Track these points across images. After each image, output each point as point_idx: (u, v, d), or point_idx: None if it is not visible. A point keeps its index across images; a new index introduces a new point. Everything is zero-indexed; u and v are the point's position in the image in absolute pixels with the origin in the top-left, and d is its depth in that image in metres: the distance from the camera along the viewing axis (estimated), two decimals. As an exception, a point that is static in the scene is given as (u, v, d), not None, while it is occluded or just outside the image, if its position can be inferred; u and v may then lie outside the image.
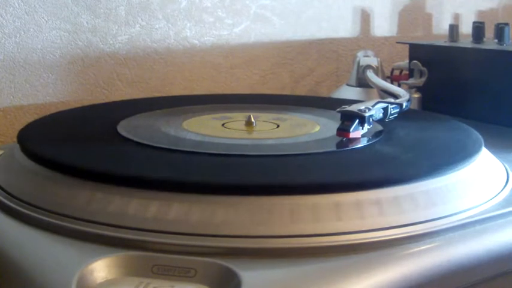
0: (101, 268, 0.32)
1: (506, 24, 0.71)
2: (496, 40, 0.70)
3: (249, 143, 0.48)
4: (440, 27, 0.98)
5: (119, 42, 0.71)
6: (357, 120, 0.47)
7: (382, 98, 0.61)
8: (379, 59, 0.76)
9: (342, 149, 0.46)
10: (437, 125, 0.55)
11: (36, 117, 0.66)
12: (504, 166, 0.47)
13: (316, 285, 0.31)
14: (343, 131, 0.47)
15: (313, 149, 0.46)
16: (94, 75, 0.71)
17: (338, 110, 0.49)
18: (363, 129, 0.48)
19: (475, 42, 0.71)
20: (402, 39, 0.86)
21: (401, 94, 0.58)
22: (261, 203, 0.36)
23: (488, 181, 0.43)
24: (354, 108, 0.48)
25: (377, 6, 0.91)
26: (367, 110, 0.48)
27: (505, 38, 0.70)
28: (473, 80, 0.67)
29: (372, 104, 0.50)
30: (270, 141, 0.49)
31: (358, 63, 0.75)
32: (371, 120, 0.49)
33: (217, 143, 0.48)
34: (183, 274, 0.32)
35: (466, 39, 0.74)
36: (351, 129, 0.47)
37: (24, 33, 0.66)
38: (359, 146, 0.46)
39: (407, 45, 0.75)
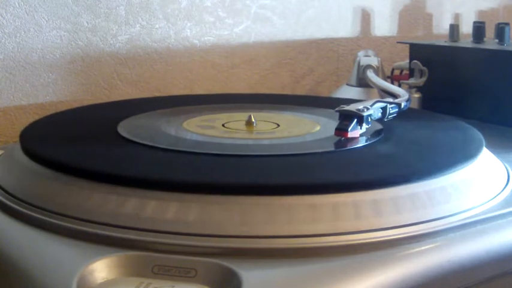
0: (102, 268, 0.32)
1: (507, 24, 0.71)
2: (497, 40, 0.70)
3: (249, 143, 0.48)
4: (441, 27, 0.98)
5: (119, 42, 0.71)
6: (355, 120, 0.47)
7: (382, 97, 0.61)
8: (379, 59, 0.76)
9: (341, 149, 0.46)
10: (437, 124, 0.55)
11: (36, 117, 0.66)
12: (505, 166, 0.47)
13: (316, 285, 0.31)
14: (341, 130, 0.47)
15: (313, 148, 0.46)
16: (94, 75, 0.70)
17: (336, 109, 0.49)
18: (361, 128, 0.48)
19: (476, 42, 0.71)
20: (402, 39, 0.86)
21: (401, 94, 0.58)
22: (261, 203, 0.36)
23: (489, 181, 0.43)
24: (352, 107, 0.48)
25: (377, 6, 0.91)
26: (365, 110, 0.48)
27: (505, 38, 0.69)
28: (474, 80, 0.67)
29: (371, 104, 0.50)
30: (270, 141, 0.49)
31: (359, 63, 0.75)
32: (369, 119, 0.49)
33: (218, 143, 0.48)
34: (184, 274, 0.32)
35: (466, 39, 0.74)
36: (349, 129, 0.47)
37: (25, 32, 0.66)
38: (359, 145, 0.46)
39: (408, 45, 0.75)
